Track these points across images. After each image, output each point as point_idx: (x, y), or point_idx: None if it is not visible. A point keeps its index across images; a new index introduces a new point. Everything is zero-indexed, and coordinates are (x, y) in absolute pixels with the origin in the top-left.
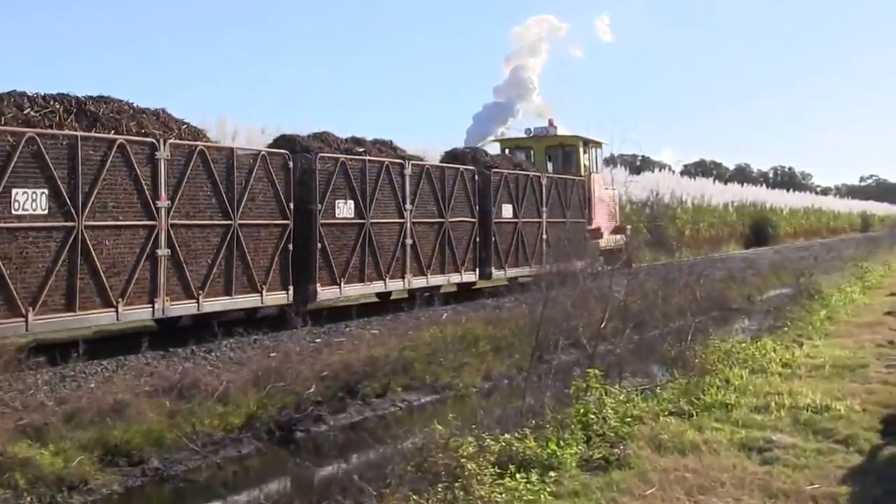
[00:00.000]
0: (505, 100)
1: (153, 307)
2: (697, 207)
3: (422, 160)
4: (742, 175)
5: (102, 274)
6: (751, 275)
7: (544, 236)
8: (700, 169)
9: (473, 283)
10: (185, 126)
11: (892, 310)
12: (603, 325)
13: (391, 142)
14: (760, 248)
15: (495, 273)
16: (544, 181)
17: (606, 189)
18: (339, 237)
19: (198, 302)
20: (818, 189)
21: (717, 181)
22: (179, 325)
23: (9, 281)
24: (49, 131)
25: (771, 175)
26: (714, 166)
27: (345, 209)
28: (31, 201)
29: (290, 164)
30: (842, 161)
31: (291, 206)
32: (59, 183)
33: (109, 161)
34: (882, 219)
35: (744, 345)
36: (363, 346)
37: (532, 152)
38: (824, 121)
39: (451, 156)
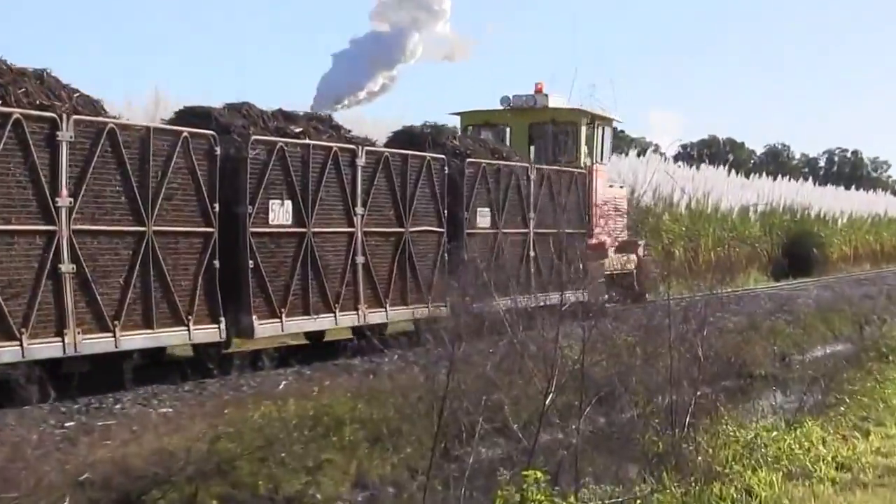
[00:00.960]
0: (390, 30)
1: (63, 341)
2: (697, 213)
3: (374, 144)
4: (776, 163)
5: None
6: (785, 322)
7: (531, 253)
8: (708, 151)
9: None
10: (76, 95)
11: None
12: (548, 401)
13: (331, 117)
14: (800, 280)
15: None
16: (533, 176)
17: (612, 186)
18: (274, 252)
19: (114, 336)
20: None
21: (734, 171)
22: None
23: None
24: None
25: (822, 163)
26: (731, 147)
27: (281, 213)
28: None
29: (217, 149)
30: None
31: (216, 207)
32: None
33: (2, 143)
34: None
35: (775, 434)
36: (149, 433)
37: (509, 131)
38: None
39: (405, 137)
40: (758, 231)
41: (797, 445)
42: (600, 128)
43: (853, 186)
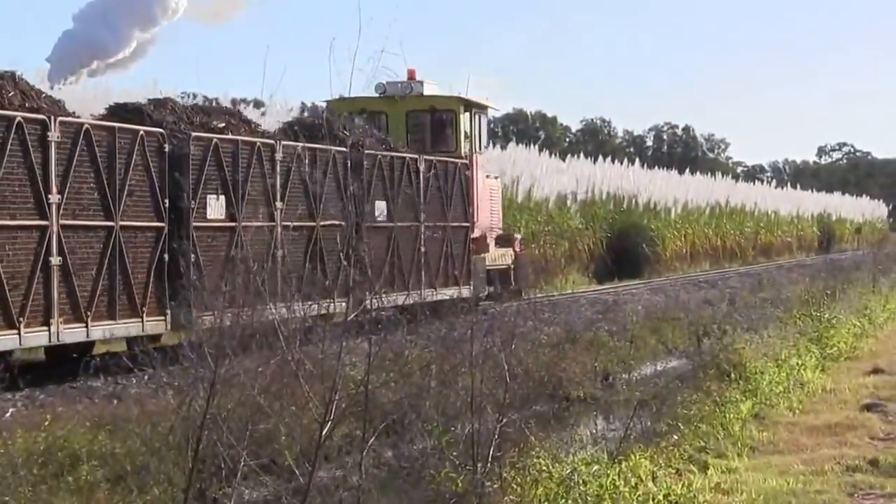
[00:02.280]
0: None
1: (49, 330)
2: (506, 203)
3: (285, 140)
4: (595, 141)
5: (5, 285)
6: (609, 334)
7: (422, 248)
8: (515, 128)
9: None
10: (44, 95)
11: (875, 401)
12: (326, 431)
13: (239, 111)
14: (627, 283)
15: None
16: (422, 167)
17: (488, 177)
18: (210, 245)
19: (86, 326)
20: (740, 169)
21: (547, 152)
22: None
23: None
24: None
25: (650, 141)
26: (542, 123)
27: (217, 207)
28: None
29: (167, 146)
30: (783, 124)
31: (167, 202)
32: None
33: (9, 145)
34: (856, 225)
35: (596, 468)
36: None
37: (385, 119)
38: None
39: (299, 129)
40: (578, 223)
41: (622, 481)
42: (477, 115)
43: (687, 170)
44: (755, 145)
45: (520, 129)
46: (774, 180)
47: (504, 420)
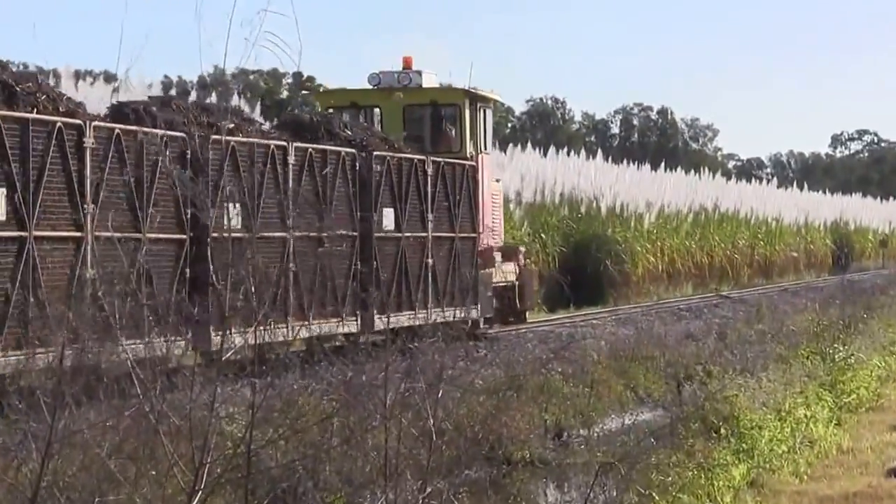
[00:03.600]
0: None
1: None
2: None
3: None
4: (546, 127)
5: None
6: (563, 377)
7: (429, 260)
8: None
9: (354, 336)
10: (66, 98)
11: None
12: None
13: (241, 110)
14: (587, 311)
15: (378, 321)
16: (430, 169)
17: (497, 181)
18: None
19: None
20: (732, 163)
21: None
22: None
23: None
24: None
25: (616, 127)
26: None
27: (234, 217)
28: None
29: (188, 152)
30: (787, 106)
31: (189, 212)
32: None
33: (51, 151)
34: (880, 236)
35: None
36: None
37: (380, 114)
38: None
39: (293, 127)
40: (524, 234)
41: None
42: (482, 110)
43: (663, 164)
44: (751, 133)
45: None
46: (776, 178)
47: (428, 489)
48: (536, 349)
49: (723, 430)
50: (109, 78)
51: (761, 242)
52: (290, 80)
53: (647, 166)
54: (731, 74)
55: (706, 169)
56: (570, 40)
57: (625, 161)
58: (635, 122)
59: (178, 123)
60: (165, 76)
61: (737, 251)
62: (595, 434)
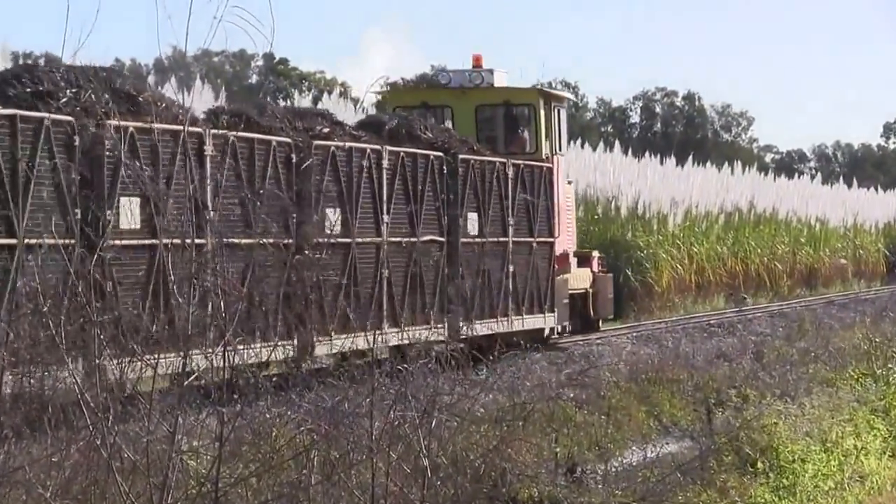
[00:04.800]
0: None
1: None
2: None
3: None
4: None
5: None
6: (576, 403)
7: (510, 268)
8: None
9: (438, 343)
10: (176, 104)
11: None
12: None
13: (330, 113)
14: (603, 327)
15: (463, 328)
16: (510, 172)
17: (570, 183)
18: (329, 265)
19: None
20: (769, 156)
21: None
22: None
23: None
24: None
25: (635, 115)
26: None
27: (335, 221)
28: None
29: (294, 157)
30: (833, 90)
31: (295, 217)
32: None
33: (177, 159)
34: None
35: None
36: None
37: (451, 113)
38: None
39: (374, 129)
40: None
41: None
42: (556, 110)
43: (691, 158)
44: (792, 121)
45: None
46: (821, 173)
47: None
48: (546, 370)
49: (760, 464)
50: (51, 60)
51: (804, 248)
52: (259, 63)
53: (672, 160)
54: (767, 53)
55: (740, 163)
56: (581, 16)
57: (647, 154)
58: (658, 109)
59: (276, 129)
60: (117, 59)
61: (775, 258)
62: (613, 469)
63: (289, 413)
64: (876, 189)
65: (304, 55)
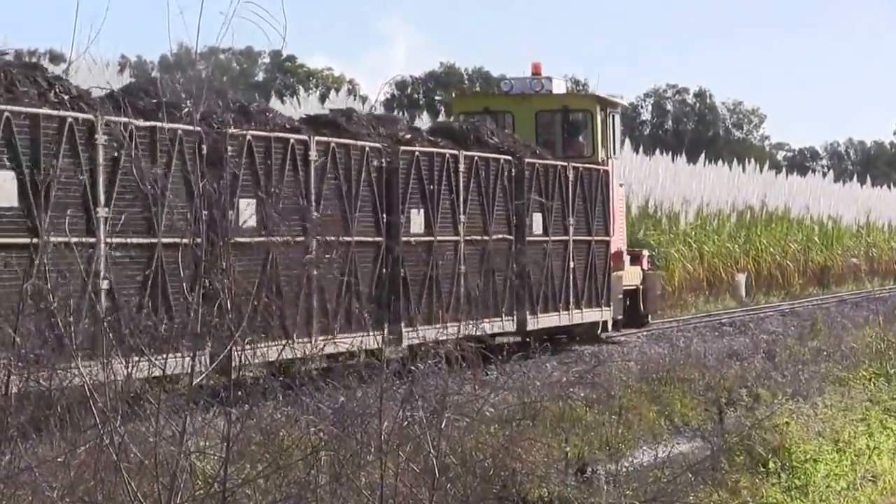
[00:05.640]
0: None
1: None
2: None
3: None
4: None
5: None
6: (586, 403)
7: (571, 264)
8: (444, 90)
9: (511, 335)
10: (277, 113)
11: None
12: None
13: (393, 115)
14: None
15: (530, 321)
16: (570, 175)
17: (622, 185)
18: (415, 262)
19: None
20: (781, 154)
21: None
22: None
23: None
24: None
25: (646, 113)
26: (481, 84)
27: (418, 223)
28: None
29: (383, 161)
30: (846, 87)
31: (385, 217)
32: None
33: (286, 167)
34: None
35: None
36: None
37: (512, 119)
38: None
39: (445, 134)
40: None
41: None
42: (611, 115)
43: (703, 156)
44: (804, 119)
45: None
46: (833, 171)
47: None
48: (556, 370)
49: (772, 464)
50: (55, 58)
51: (816, 246)
52: (266, 60)
53: (683, 158)
54: (779, 50)
55: (752, 161)
56: (590, 11)
57: (657, 152)
58: (669, 106)
59: (363, 135)
60: (122, 56)
61: (787, 256)
62: (624, 469)
63: (297, 413)
64: (889, 187)
65: (313, 50)
